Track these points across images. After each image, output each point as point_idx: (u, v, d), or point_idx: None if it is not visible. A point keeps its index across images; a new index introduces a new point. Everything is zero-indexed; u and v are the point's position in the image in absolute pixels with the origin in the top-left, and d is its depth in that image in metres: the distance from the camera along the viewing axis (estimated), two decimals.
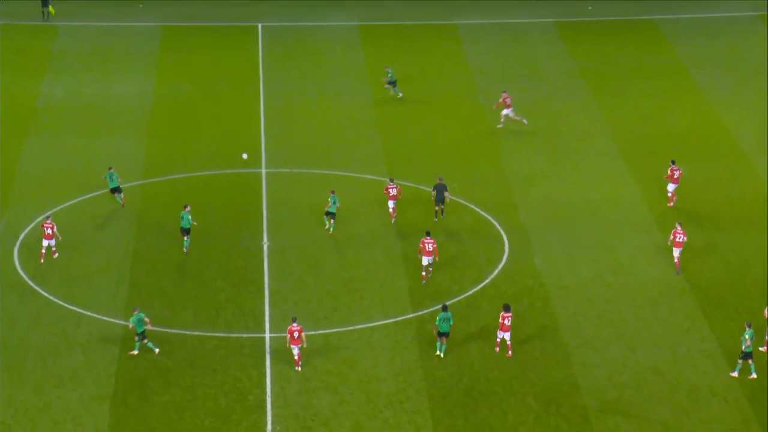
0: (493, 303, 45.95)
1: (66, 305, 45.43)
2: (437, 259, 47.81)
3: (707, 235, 51.49)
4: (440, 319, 42.80)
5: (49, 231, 48.45)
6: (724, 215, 53.35)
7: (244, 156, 56.24)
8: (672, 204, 54.00)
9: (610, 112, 65.20)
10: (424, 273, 47.72)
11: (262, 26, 79.49)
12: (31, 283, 46.97)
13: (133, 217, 52.30)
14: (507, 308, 43.07)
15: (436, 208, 52.49)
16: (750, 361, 41.56)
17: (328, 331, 44.21)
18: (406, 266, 48.81)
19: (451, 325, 42.87)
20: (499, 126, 62.25)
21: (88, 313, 44.90)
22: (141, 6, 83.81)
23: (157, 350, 42.56)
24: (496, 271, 48.51)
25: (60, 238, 49.18)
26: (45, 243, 48.54)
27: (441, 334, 42.83)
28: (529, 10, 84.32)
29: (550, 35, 78.65)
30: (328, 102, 66.63)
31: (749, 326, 41.63)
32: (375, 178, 56.73)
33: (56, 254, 49.08)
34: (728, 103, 66.19)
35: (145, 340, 42.58)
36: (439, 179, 52.91)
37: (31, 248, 49.51)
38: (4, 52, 73.65)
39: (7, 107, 64.66)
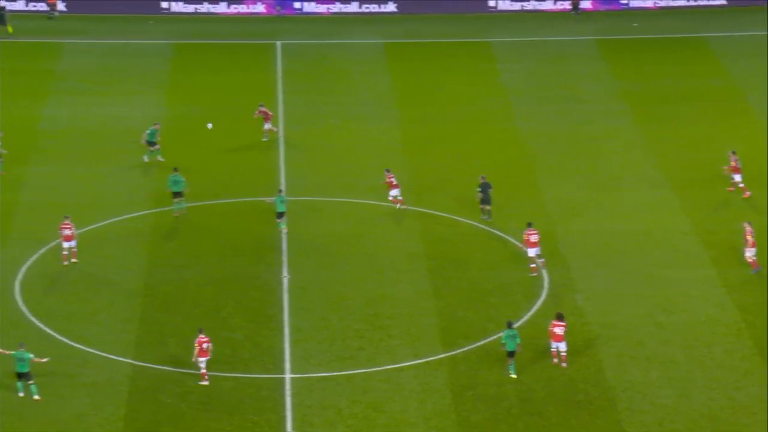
0: (530, 342, 45.90)
1: (71, 343, 45.68)
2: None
3: (765, 269, 51.40)
4: (506, 337, 43.53)
5: (68, 232, 50.41)
6: None
7: (209, 126, 59.08)
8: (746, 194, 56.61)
9: (656, 138, 65.27)
10: (533, 266, 50.54)
11: (281, 44, 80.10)
12: (33, 319, 47.28)
13: (143, 249, 52.64)
14: (560, 317, 44.48)
15: (483, 207, 54.88)
16: None
17: (353, 372, 44.32)
18: (436, 302, 48.91)
19: (518, 344, 43.55)
20: (264, 140, 63.20)
21: (95, 352, 45.12)
22: (151, 22, 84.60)
23: (36, 397, 42.31)
24: (534, 309, 48.53)
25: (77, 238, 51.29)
26: (65, 245, 50.49)
27: (509, 354, 43.53)
28: (568, 27, 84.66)
29: (591, 54, 78.92)
30: (352, 126, 66.99)
31: None
32: (402, 207, 56.88)
33: (75, 259, 50.68)
34: None
35: (30, 382, 42.36)
36: (482, 178, 55.23)
37: (33, 283, 49.86)
38: (4, 72, 74.40)
39: (8, 131, 65.19)
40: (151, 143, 61.09)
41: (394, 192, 56.25)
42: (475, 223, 55.35)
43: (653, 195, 58.62)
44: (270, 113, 63.98)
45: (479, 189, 55.24)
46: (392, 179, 56.36)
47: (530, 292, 49.70)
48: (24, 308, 48.00)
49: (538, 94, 71.94)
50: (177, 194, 54.97)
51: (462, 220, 55.63)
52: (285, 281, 50.38)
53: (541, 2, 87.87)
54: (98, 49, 78.67)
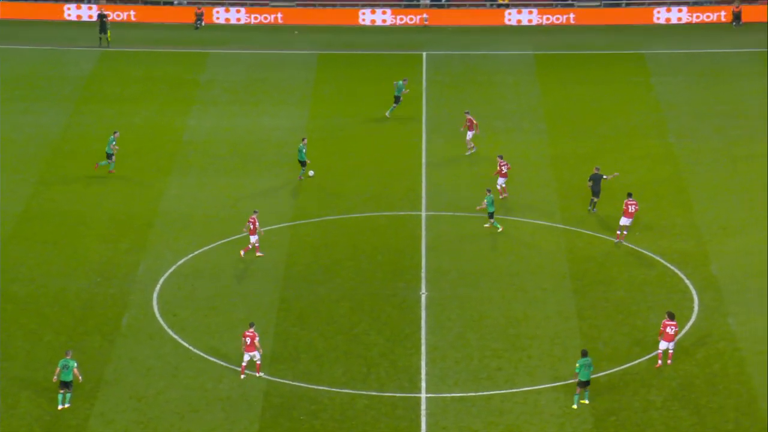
0: (678, 368, 45.31)
1: (207, 357, 46.52)
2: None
3: None
4: (581, 366, 42.94)
5: (252, 226, 52.95)
6: None
7: (311, 173, 60.65)
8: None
9: None
10: (618, 233, 53.89)
11: (427, 55, 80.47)
12: (170, 332, 48.27)
13: (280, 263, 53.39)
14: (671, 316, 45.21)
15: (594, 198, 57.16)
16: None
17: (490, 392, 44.24)
18: (580, 323, 48.56)
19: (591, 372, 42.85)
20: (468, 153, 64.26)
21: (230, 366, 45.89)
22: (296, 32, 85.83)
23: (62, 406, 42.95)
24: (683, 332, 47.82)
25: (262, 233, 53.80)
26: (252, 239, 53.26)
27: (581, 384, 42.94)
28: (730, 38, 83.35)
29: (753, 68, 77.65)
30: (498, 139, 66.90)
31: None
32: (549, 224, 56.69)
33: (243, 252, 53.35)
34: None
35: (68, 391, 42.91)
36: (596, 169, 57.34)
37: (171, 295, 50.97)
38: (150, 81, 76.30)
39: (152, 141, 66.85)
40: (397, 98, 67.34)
41: (501, 181, 58.40)
42: (624, 242, 54.79)
43: None
44: (474, 122, 64.45)
45: (590, 180, 57.16)
46: (503, 167, 58.43)
47: (679, 315, 48.90)
48: (161, 320, 49.06)
49: (694, 110, 70.96)
50: (303, 163, 60.31)
51: (610, 238, 55.17)
52: (423, 298, 50.57)
53: (700, 13, 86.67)
54: (243, 60, 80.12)
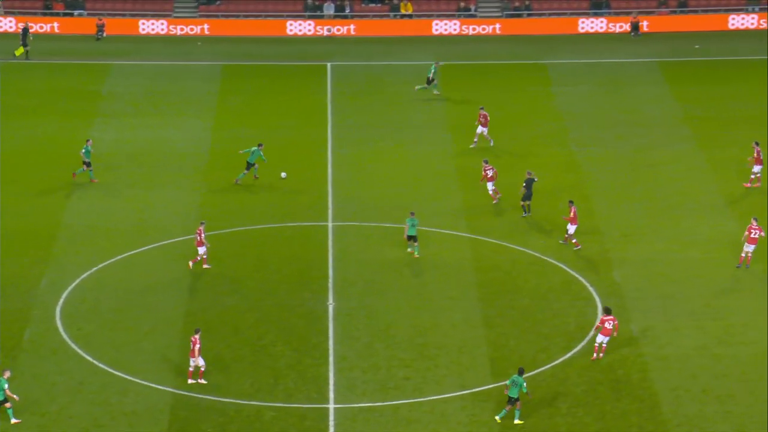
0: (583, 374, 45.74)
1: (111, 371, 45.98)
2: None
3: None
4: (510, 382, 43.17)
5: (199, 238, 52.84)
6: None
7: (283, 175, 61.48)
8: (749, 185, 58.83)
9: (718, 164, 64.81)
10: (567, 236, 55.00)
11: (332, 66, 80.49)
12: (74, 346, 47.66)
13: (186, 275, 52.96)
14: (608, 311, 46.87)
15: (523, 203, 57.94)
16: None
17: (398, 402, 44.28)
18: (486, 332, 48.80)
19: (524, 393, 43.00)
20: (472, 146, 66.27)
21: (135, 380, 45.41)
22: (199, 44, 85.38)
23: (13, 421, 42.56)
24: (587, 339, 48.28)
25: (208, 245, 53.11)
26: (200, 250, 52.91)
27: (509, 400, 43.14)
28: (628, 49, 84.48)
29: (651, 77, 78.66)
30: (403, 150, 67.09)
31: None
32: (455, 233, 56.93)
33: (207, 265, 53.01)
34: None
35: (7, 406, 42.68)
36: (528, 174, 58.14)
37: (74, 308, 50.30)
38: (51, 93, 75.36)
39: (53, 154, 66.05)
40: (430, 81, 70.46)
41: (490, 185, 59.27)
42: (528, 250, 55.24)
43: (715, 223, 58.18)
44: (487, 119, 66.18)
45: (524, 184, 57.76)
46: (488, 171, 59.31)
47: (583, 322, 49.42)
48: (65, 335, 48.40)
49: (594, 118, 71.75)
50: (250, 165, 61.27)
51: (515, 247, 55.54)
52: (330, 308, 50.49)
53: (599, 24, 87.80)
54: (145, 71, 79.44)
